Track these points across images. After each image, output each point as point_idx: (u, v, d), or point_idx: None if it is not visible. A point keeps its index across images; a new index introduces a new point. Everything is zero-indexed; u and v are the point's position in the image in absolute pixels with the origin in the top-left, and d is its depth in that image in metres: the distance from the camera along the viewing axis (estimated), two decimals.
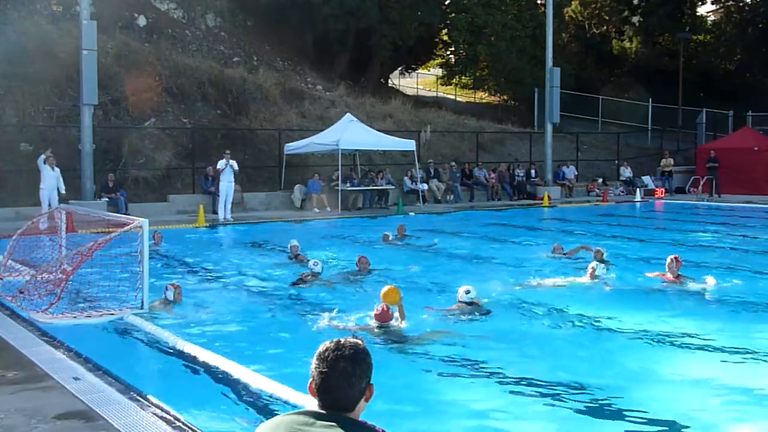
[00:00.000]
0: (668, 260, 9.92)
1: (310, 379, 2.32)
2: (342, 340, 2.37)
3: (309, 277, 10.15)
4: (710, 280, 10.01)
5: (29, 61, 20.27)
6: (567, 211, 22.42)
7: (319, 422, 2.22)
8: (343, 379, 2.28)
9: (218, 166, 18.86)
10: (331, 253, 13.26)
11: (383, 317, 7.37)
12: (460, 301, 8.27)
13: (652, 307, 8.85)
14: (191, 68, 24.35)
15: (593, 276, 9.98)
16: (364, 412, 2.37)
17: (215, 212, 19.54)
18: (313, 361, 2.33)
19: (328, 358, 2.30)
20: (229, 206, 18.72)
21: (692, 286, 9.76)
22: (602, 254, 11.24)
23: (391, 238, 14.49)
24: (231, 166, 18.66)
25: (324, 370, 2.29)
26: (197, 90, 23.97)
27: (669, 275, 9.87)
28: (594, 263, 10.30)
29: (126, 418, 4.80)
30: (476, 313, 8.16)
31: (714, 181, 26.90)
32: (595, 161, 31.23)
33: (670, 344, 7.30)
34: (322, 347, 2.35)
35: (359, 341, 2.40)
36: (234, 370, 6.04)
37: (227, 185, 18.65)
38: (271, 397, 5.46)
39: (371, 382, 2.35)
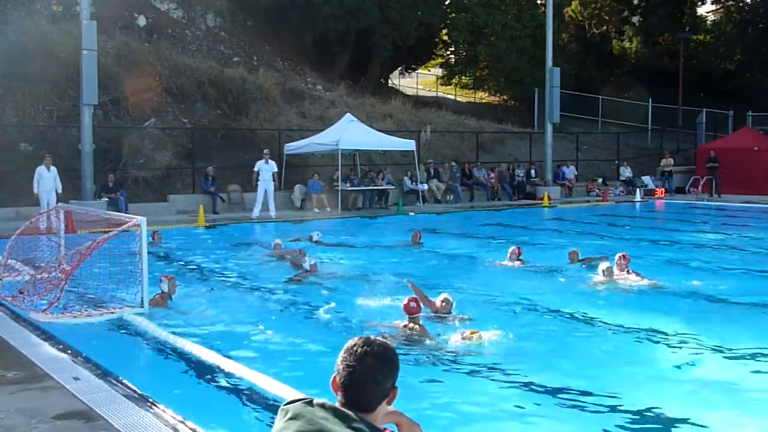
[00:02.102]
0: (616, 258, 10.20)
1: (335, 373, 2.27)
2: (372, 337, 2.33)
3: (303, 274, 10.25)
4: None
5: (29, 61, 20.27)
6: (567, 211, 22.42)
7: (337, 420, 2.16)
8: (369, 375, 2.23)
9: (255, 168, 19.56)
10: (331, 253, 13.27)
11: (410, 309, 7.27)
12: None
13: (606, 305, 8.98)
14: (191, 68, 24.35)
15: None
16: None
17: (215, 212, 19.59)
18: (340, 355, 2.29)
19: (357, 352, 2.26)
20: (272, 204, 19.35)
21: (642, 282, 9.94)
22: (577, 254, 11.36)
23: (315, 238, 14.23)
24: (269, 165, 19.46)
25: (351, 363, 2.24)
26: (197, 90, 23.97)
27: (617, 271, 10.10)
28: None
29: (126, 418, 4.80)
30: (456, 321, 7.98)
31: (714, 181, 26.90)
32: (595, 161, 31.23)
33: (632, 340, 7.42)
34: (350, 342, 2.31)
35: (388, 341, 2.36)
36: (234, 369, 6.04)
37: (265, 184, 19.30)
38: (272, 395, 5.45)
39: (396, 385, 2.31)
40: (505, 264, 11.56)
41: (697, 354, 6.98)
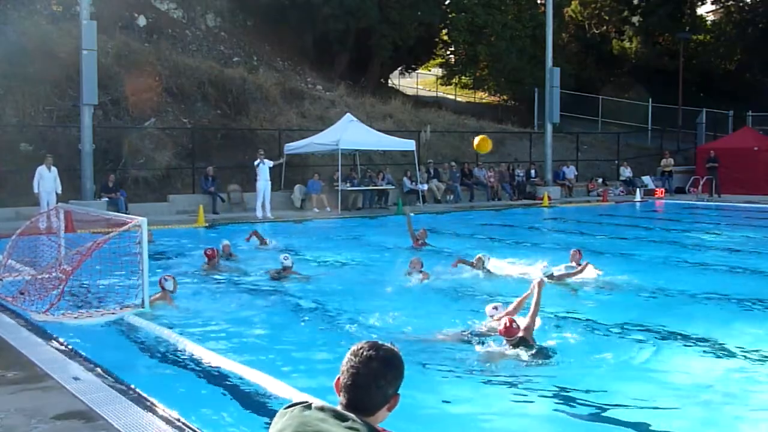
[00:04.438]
0: (571, 253, 10.52)
1: (339, 374, 2.29)
2: (379, 342, 2.34)
3: (283, 271, 10.34)
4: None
5: (29, 61, 20.27)
6: (567, 211, 22.42)
7: (335, 421, 2.17)
8: (372, 379, 2.24)
9: (255, 162, 19.52)
10: (331, 253, 13.27)
11: (510, 332, 6.50)
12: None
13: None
14: (191, 68, 24.35)
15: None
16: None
17: (215, 212, 19.61)
18: (346, 357, 2.30)
19: (363, 355, 2.27)
20: (268, 205, 19.27)
21: (597, 276, 10.14)
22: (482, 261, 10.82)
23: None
24: (266, 164, 19.38)
25: (356, 365, 2.25)
26: (197, 90, 23.97)
27: (573, 265, 10.35)
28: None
29: (126, 418, 4.80)
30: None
31: (714, 181, 26.91)
32: (595, 161, 31.23)
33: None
34: (357, 345, 2.32)
35: (396, 348, 2.37)
36: (234, 369, 6.05)
37: (263, 184, 19.22)
38: (271, 395, 5.46)
39: (398, 392, 2.31)
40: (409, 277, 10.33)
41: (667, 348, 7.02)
